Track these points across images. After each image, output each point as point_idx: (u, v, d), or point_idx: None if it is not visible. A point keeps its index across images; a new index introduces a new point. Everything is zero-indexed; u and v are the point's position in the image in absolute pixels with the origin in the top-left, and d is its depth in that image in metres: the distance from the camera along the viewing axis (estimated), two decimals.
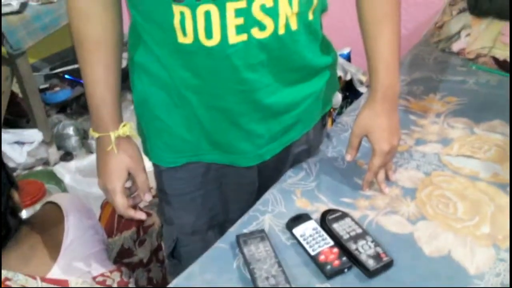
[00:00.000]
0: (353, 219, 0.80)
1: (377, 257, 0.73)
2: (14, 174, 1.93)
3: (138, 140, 0.88)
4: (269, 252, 0.75)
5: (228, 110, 0.80)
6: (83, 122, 2.29)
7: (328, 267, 0.72)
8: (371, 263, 0.72)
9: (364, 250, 0.74)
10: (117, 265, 1.05)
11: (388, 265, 0.73)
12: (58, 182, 1.88)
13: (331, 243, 0.76)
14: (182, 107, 0.80)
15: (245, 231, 0.80)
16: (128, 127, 0.81)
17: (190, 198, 0.92)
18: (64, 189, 1.84)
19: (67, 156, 2.18)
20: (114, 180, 0.82)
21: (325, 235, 0.77)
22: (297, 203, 0.87)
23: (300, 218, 0.81)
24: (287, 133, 0.89)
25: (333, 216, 0.80)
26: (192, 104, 0.79)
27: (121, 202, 0.83)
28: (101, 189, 0.86)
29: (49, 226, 0.95)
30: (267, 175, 0.95)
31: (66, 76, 2.35)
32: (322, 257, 0.74)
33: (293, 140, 0.92)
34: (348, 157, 0.89)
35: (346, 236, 0.77)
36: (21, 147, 2.20)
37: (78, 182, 1.69)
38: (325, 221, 0.80)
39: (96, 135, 0.81)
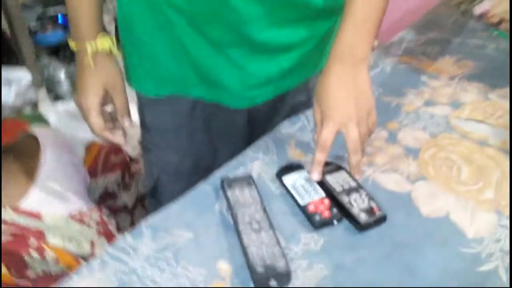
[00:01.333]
0: (348, 173, 0.77)
1: (370, 211, 0.70)
2: (2, 116, 1.91)
3: (120, 58, 0.85)
4: (255, 198, 0.72)
5: (216, 39, 0.76)
6: (75, 68, 2.25)
7: (317, 217, 0.70)
8: (363, 217, 0.69)
9: (357, 203, 0.71)
10: (98, 205, 1.03)
11: (381, 220, 0.70)
12: (46, 124, 1.86)
13: (323, 194, 0.73)
14: (166, 29, 0.76)
15: (232, 176, 0.77)
16: (108, 41, 0.78)
17: (174, 135, 0.89)
18: None
19: (57, 100, 2.15)
20: (89, 96, 0.80)
21: (317, 187, 0.75)
22: (290, 153, 0.84)
23: (292, 168, 0.78)
24: (283, 78, 0.86)
25: (328, 168, 0.78)
26: (176, 26, 0.75)
27: (96, 122, 0.80)
28: (77, 107, 0.83)
29: (26, 156, 0.92)
30: (259, 124, 0.92)
31: (59, 19, 2.29)
32: (311, 208, 0.71)
33: (290, 87, 0.89)
34: (315, 136, 0.77)
35: (339, 189, 0.74)
36: (9, 87, 2.16)
37: (65, 124, 1.67)
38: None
39: (73, 45, 0.79)
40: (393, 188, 0.78)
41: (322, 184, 0.75)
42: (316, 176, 0.75)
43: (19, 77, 2.15)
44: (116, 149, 1.26)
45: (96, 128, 0.82)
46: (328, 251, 0.67)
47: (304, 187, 0.75)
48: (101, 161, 1.26)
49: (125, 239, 0.66)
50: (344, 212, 0.71)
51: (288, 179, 0.76)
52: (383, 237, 0.69)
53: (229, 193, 0.72)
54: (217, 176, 0.77)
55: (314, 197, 0.73)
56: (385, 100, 1.00)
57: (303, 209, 0.71)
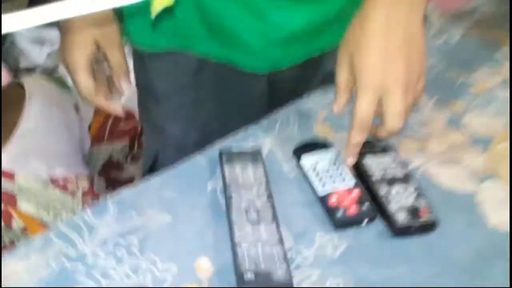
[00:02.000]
0: (397, 158, 0.59)
1: (413, 212, 0.52)
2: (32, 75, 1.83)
3: None
4: (260, 179, 0.55)
5: None
6: None
7: (339, 213, 0.52)
8: (401, 217, 0.51)
9: (398, 198, 0.53)
10: (99, 175, 0.90)
11: (428, 226, 0.52)
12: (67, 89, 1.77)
13: (352, 183, 0.55)
14: None
15: (235, 149, 0.61)
16: None
17: (176, 102, 0.74)
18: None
19: None
20: (76, 53, 0.65)
21: (346, 174, 0.57)
22: (316, 128, 0.66)
23: (316, 146, 0.61)
24: (315, 35, 0.68)
25: (368, 149, 0.59)
26: None
27: (84, 83, 0.66)
28: (62, 65, 0.69)
29: (8, 106, 0.80)
30: (281, 96, 0.74)
31: None
32: (333, 200, 0.54)
33: (323, 48, 0.71)
34: (334, 107, 0.59)
35: (378, 176, 0.56)
36: (41, 47, 2.09)
37: None
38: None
39: None
40: (452, 185, 0.59)
41: (357, 168, 0.57)
42: (350, 160, 0.57)
43: (52, 38, 2.07)
44: (127, 114, 1.13)
45: (84, 90, 0.66)
46: (349, 261, 0.49)
47: (328, 172, 0.57)
48: (108, 126, 1.13)
49: (83, 215, 0.51)
50: (380, 209, 0.53)
51: (308, 159, 0.59)
52: (431, 251, 0.51)
53: (226, 169, 0.56)
54: (217, 147, 0.61)
55: (339, 186, 0.55)
56: (448, 76, 0.79)
57: (322, 201, 0.54)
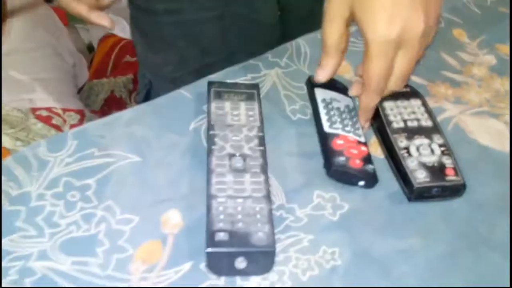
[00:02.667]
0: (425, 105, 0.49)
1: (437, 171, 0.42)
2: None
3: None
4: (252, 119, 0.46)
5: None
6: None
7: (341, 159, 0.43)
8: (420, 176, 0.42)
9: (420, 153, 0.43)
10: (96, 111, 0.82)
11: (453, 191, 0.42)
12: None
13: (363, 140, 0.46)
14: None
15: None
16: None
17: (172, 22, 0.64)
18: None
19: None
20: None
21: (360, 128, 0.47)
22: None
23: (334, 85, 0.51)
24: None
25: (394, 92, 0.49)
26: None
27: None
28: None
29: None
30: (294, 29, 0.64)
31: None
32: (339, 142, 0.44)
33: None
34: (319, 74, 0.48)
35: (398, 124, 0.46)
36: None
37: None
38: None
39: None
40: (489, 142, 0.49)
41: (375, 113, 0.48)
42: (363, 124, 0.48)
43: None
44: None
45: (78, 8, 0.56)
46: (351, 227, 0.41)
47: (342, 115, 0.47)
48: (112, 58, 1.05)
49: (35, 148, 0.44)
50: (395, 165, 0.44)
51: (324, 92, 0.49)
52: (453, 221, 0.41)
53: (213, 104, 0.47)
54: (208, 79, 0.52)
55: (349, 134, 0.45)
56: (501, 10, 0.67)
57: (325, 138, 0.45)
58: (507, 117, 0.52)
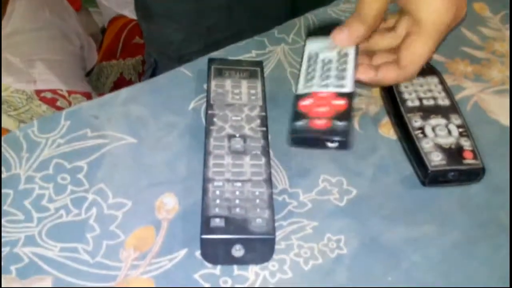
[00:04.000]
0: (443, 82, 0.45)
1: (454, 153, 0.39)
2: None
3: None
4: (255, 98, 0.43)
5: None
6: None
7: (300, 123, 0.37)
8: (435, 159, 0.38)
9: (436, 134, 0.40)
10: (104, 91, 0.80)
11: (472, 174, 0.39)
12: None
13: (348, 90, 0.39)
14: None
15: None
16: None
17: (177, 1, 0.61)
18: None
19: None
20: None
21: (350, 75, 0.40)
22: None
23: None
24: None
25: None
26: None
27: None
28: None
29: None
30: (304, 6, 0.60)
31: None
32: (305, 103, 0.39)
33: None
34: (340, 36, 0.42)
35: (413, 103, 0.43)
36: None
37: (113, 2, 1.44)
38: None
39: None
40: None
41: (389, 90, 0.44)
42: (362, 76, 0.43)
43: None
44: None
45: None
46: (359, 213, 0.38)
47: (327, 65, 0.41)
48: (122, 40, 1.02)
49: (27, 128, 0.42)
50: (409, 146, 0.41)
51: (314, 44, 0.44)
52: (470, 207, 0.38)
53: (214, 82, 0.44)
54: (210, 56, 0.49)
55: (327, 87, 0.39)
56: None
57: (295, 101, 0.39)
58: None
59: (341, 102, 0.38)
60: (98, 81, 0.98)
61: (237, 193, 0.36)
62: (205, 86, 0.46)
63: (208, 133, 0.40)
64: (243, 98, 0.43)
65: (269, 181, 0.37)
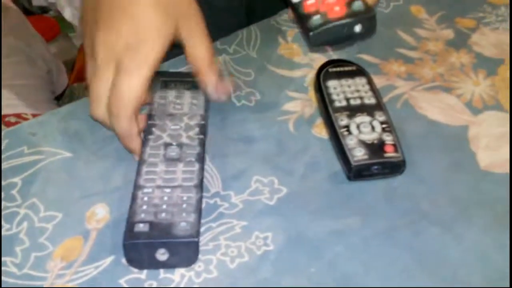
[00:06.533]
0: (370, 83, 0.45)
1: (376, 148, 0.39)
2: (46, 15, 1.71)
3: None
4: (196, 108, 0.43)
5: None
6: None
7: (315, 18, 0.36)
8: (358, 154, 0.38)
9: (360, 131, 0.40)
10: None
11: (393, 167, 0.39)
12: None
13: None
14: None
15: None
16: None
17: None
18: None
19: None
20: (151, 39, 0.38)
21: None
22: (280, 49, 0.53)
23: None
24: None
25: (339, 69, 0.46)
26: None
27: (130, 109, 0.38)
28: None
29: None
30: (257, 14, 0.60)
31: None
32: (310, 2, 0.37)
33: None
34: None
35: (341, 103, 0.43)
36: None
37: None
38: (320, 72, 0.46)
39: None
40: (440, 117, 0.45)
41: (320, 91, 0.44)
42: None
43: None
44: None
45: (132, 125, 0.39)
46: (287, 211, 0.38)
47: None
48: None
49: None
50: (337, 144, 0.41)
51: None
52: (393, 199, 0.38)
53: (158, 94, 0.44)
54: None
55: None
56: None
57: (295, 11, 0.37)
58: (460, 91, 0.48)
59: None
60: (70, 102, 0.97)
61: (165, 198, 0.35)
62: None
63: (145, 142, 0.39)
64: (184, 108, 0.43)
65: (199, 186, 0.36)
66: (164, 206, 0.35)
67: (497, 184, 0.39)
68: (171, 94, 0.44)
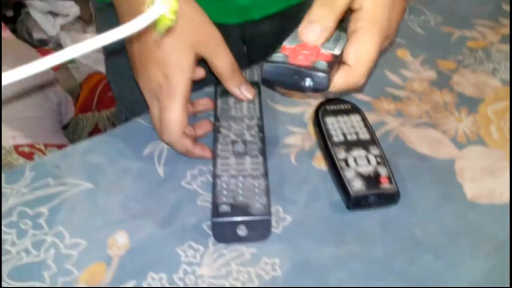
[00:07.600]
0: (364, 120, 0.48)
1: (373, 179, 0.41)
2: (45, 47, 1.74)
3: None
4: (253, 110, 0.48)
5: None
6: None
7: (277, 56, 0.36)
8: (356, 185, 0.41)
9: (357, 163, 0.43)
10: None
11: (388, 198, 0.41)
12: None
13: (338, 52, 0.37)
14: None
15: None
16: None
17: None
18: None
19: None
20: (175, 74, 0.43)
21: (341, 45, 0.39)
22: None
23: None
24: None
25: (336, 107, 0.49)
26: None
27: (180, 119, 0.44)
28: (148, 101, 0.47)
29: None
30: (257, 49, 0.64)
31: None
32: (288, 46, 0.37)
33: None
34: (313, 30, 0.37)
35: (338, 138, 0.45)
36: (55, 18, 2.02)
37: (90, 60, 1.47)
38: (318, 110, 0.48)
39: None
40: (427, 151, 0.48)
41: (318, 127, 0.47)
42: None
43: (66, 9, 1.99)
44: None
45: (185, 144, 0.45)
46: (292, 238, 0.40)
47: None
48: (97, 94, 1.05)
49: None
50: (336, 176, 0.43)
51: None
52: (389, 227, 0.40)
53: (219, 101, 0.49)
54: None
55: (321, 47, 0.37)
56: (444, 30, 0.67)
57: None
58: (445, 127, 0.51)
59: (329, 53, 0.36)
60: (75, 133, 0.99)
61: (240, 185, 0.40)
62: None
63: (215, 140, 0.44)
64: (243, 110, 0.48)
65: (265, 175, 0.41)
66: (240, 191, 0.39)
67: (482, 214, 0.42)
68: (231, 100, 0.49)
